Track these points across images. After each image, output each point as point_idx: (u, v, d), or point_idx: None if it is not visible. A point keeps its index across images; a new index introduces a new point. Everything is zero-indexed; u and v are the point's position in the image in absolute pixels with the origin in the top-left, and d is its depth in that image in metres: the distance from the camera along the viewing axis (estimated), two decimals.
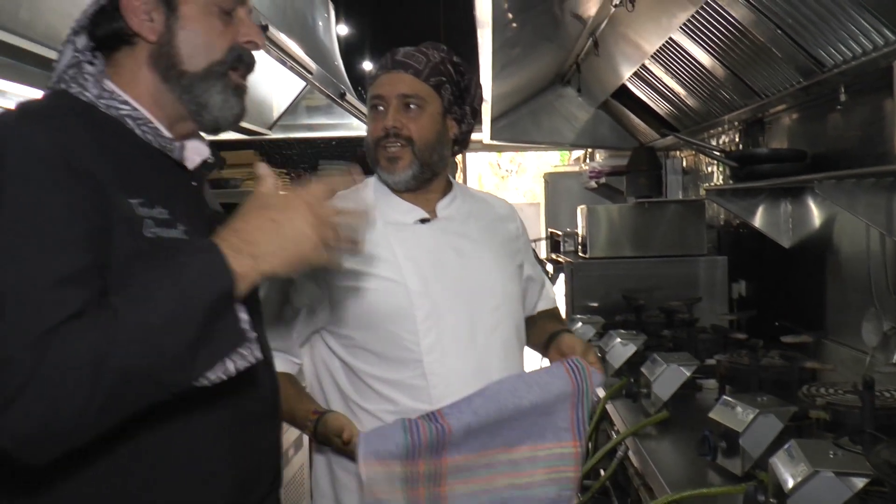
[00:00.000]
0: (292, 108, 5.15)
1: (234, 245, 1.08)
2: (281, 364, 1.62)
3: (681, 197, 4.55)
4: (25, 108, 1.16)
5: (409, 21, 7.61)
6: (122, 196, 1.12)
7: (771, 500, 1.55)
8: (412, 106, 1.73)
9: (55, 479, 1.11)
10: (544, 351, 1.84)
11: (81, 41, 1.24)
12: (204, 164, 1.31)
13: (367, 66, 7.60)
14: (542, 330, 1.91)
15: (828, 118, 2.74)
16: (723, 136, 3.84)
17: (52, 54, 2.64)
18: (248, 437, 1.27)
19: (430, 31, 7.19)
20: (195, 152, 1.29)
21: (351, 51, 6.42)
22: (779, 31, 2.45)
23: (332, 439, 1.61)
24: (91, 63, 1.22)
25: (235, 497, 1.24)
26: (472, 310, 1.72)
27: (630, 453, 2.24)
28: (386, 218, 1.75)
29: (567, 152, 7.55)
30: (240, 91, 1.29)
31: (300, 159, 5.65)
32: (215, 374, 1.06)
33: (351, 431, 1.57)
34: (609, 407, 2.57)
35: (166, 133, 1.24)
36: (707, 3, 2.62)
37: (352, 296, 1.69)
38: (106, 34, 1.23)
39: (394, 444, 1.50)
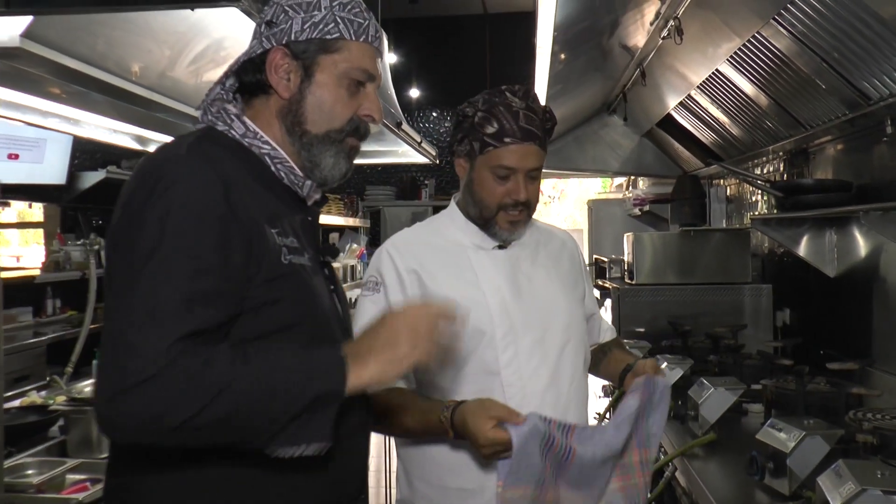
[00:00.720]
0: None
1: (354, 353, 1.23)
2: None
3: (724, 225, 4.58)
4: (191, 145, 1.29)
5: (454, 49, 7.73)
6: (267, 226, 1.27)
7: None
8: (534, 175, 1.83)
9: (181, 474, 1.23)
10: (620, 381, 1.88)
11: (230, 82, 1.40)
12: (314, 202, 1.46)
13: (414, 93, 7.74)
14: (616, 361, 1.97)
15: (873, 149, 2.78)
16: (767, 166, 3.88)
17: (122, 83, 2.79)
18: (345, 447, 1.36)
19: (476, 59, 7.32)
20: (313, 190, 1.43)
21: (398, 78, 6.54)
22: (824, 64, 2.50)
23: (474, 423, 1.58)
24: (231, 101, 1.39)
25: (329, 500, 1.36)
26: (545, 328, 1.82)
27: (677, 473, 2.29)
28: (465, 242, 1.86)
29: (609, 179, 7.60)
30: (353, 153, 1.43)
31: (347, 184, 5.74)
32: (287, 451, 1.18)
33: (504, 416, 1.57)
34: None
35: (299, 172, 1.39)
36: (753, 36, 2.69)
37: None
38: (250, 81, 1.38)
39: (533, 463, 1.55)
